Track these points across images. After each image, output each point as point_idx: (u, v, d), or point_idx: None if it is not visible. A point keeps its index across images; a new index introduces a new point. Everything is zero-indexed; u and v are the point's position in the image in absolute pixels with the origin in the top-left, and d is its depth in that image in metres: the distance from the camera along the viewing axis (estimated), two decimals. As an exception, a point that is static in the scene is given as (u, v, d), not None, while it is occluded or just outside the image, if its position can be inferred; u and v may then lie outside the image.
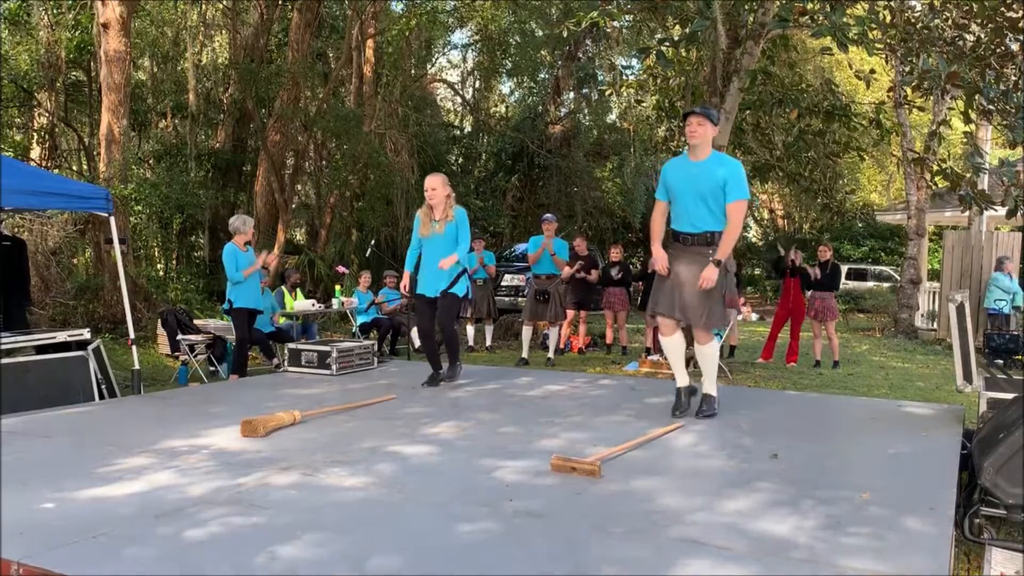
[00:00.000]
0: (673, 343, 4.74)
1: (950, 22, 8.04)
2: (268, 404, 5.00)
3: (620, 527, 2.78)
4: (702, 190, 4.43)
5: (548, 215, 9.76)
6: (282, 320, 9.26)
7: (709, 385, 4.72)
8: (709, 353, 4.71)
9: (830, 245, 10.14)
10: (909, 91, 9.68)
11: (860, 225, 23.85)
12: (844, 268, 20.54)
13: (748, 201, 4.49)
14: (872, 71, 8.73)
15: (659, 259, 4.61)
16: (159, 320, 9.43)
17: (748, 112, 10.12)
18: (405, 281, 6.06)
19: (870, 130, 9.92)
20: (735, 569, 2.42)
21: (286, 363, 6.87)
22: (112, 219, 6.70)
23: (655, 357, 8.89)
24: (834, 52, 8.25)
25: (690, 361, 6.06)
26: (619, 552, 2.55)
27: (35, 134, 16.48)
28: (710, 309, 4.47)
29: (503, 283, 14.18)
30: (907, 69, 8.61)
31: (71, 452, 3.86)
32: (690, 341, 4.88)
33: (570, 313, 10.10)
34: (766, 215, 31.47)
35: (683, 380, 4.78)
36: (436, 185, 5.76)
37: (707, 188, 4.42)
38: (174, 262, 16.11)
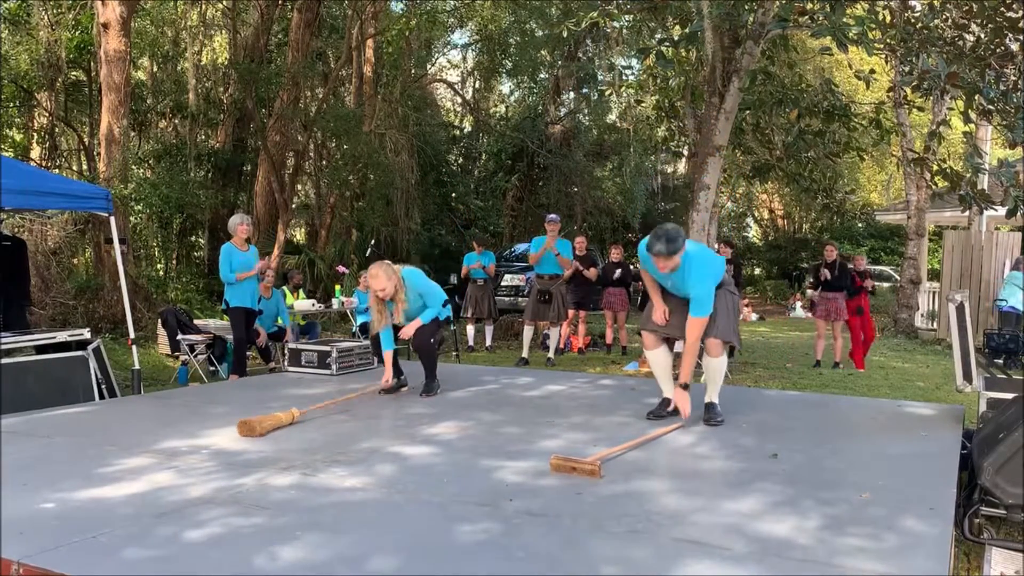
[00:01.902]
0: (656, 356, 4.80)
1: (950, 22, 8.04)
2: (268, 404, 5.00)
3: (620, 527, 2.78)
4: (682, 292, 4.53)
5: (552, 215, 9.73)
6: (302, 321, 9.29)
7: (712, 393, 4.68)
8: (716, 365, 4.68)
9: (835, 245, 10.11)
10: (909, 91, 9.69)
11: (860, 225, 23.87)
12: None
13: (708, 317, 4.42)
14: (872, 71, 8.73)
15: (659, 309, 4.71)
16: (159, 320, 9.43)
17: (748, 112, 10.12)
18: (388, 375, 5.46)
19: (870, 130, 9.92)
20: (735, 569, 2.42)
21: (286, 363, 6.87)
22: (112, 219, 6.71)
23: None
24: (834, 52, 8.24)
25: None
26: (619, 552, 2.55)
27: (35, 134, 16.48)
28: (715, 321, 4.48)
29: (503, 283, 14.18)
30: (907, 69, 8.61)
31: (71, 452, 3.86)
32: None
33: (570, 313, 10.10)
34: (766, 215, 31.49)
35: (669, 392, 4.79)
36: (383, 284, 5.14)
37: (685, 292, 4.50)
38: (174, 262, 16.10)
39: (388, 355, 5.50)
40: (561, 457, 3.56)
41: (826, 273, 9.42)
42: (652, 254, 4.27)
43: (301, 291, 10.29)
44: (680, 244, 4.27)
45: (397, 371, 5.65)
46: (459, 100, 23.79)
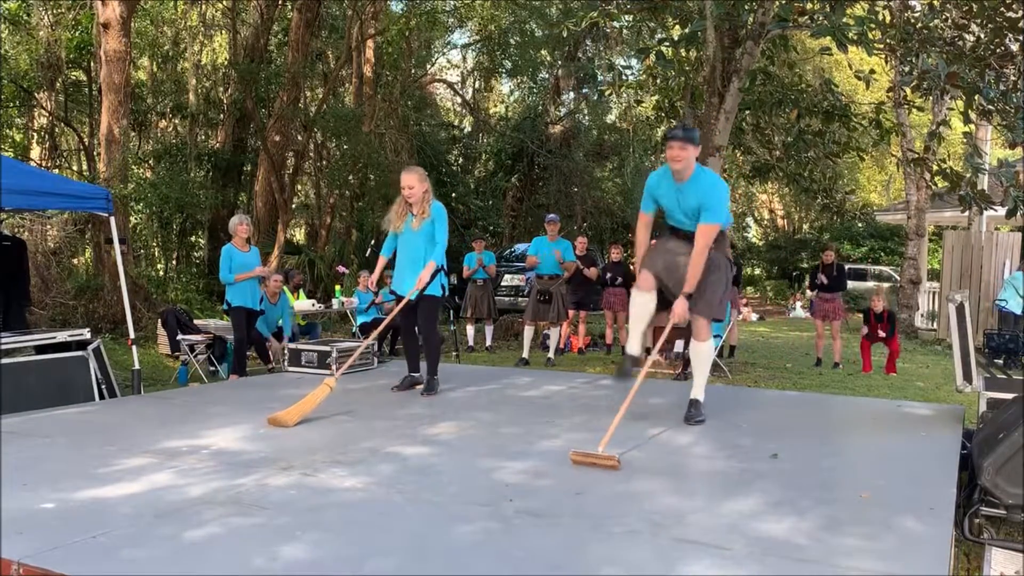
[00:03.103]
0: (643, 301, 4.49)
1: (950, 22, 8.05)
2: (268, 404, 4.99)
3: (620, 527, 2.78)
4: (689, 211, 4.39)
5: (552, 215, 9.75)
6: (302, 322, 9.29)
7: (697, 389, 4.59)
8: (705, 351, 4.56)
9: (833, 249, 10.16)
10: (909, 91, 9.70)
11: (860, 225, 23.87)
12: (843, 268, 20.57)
13: (721, 225, 4.32)
14: (872, 71, 8.73)
15: (643, 282, 4.54)
16: (159, 320, 9.43)
17: (748, 112, 10.13)
18: (375, 276, 5.64)
19: (870, 130, 9.92)
20: (735, 569, 2.42)
21: (286, 363, 6.86)
22: (112, 219, 6.70)
23: (655, 356, 8.88)
24: (834, 52, 8.24)
25: (688, 363, 5.97)
26: (619, 552, 2.55)
27: (35, 134, 16.49)
28: (703, 295, 4.33)
29: (503, 283, 14.18)
30: (907, 69, 8.61)
31: (71, 452, 3.86)
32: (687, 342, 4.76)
33: (570, 313, 10.10)
34: (766, 215, 31.50)
35: (634, 348, 4.57)
36: (413, 183, 5.30)
37: (692, 209, 4.36)
38: (174, 262, 16.12)
39: (383, 260, 5.59)
40: (581, 452, 3.61)
41: (822, 278, 9.47)
42: (668, 139, 4.28)
43: (301, 291, 10.29)
44: (697, 139, 4.32)
45: (414, 367, 5.67)
46: (459, 100, 23.80)
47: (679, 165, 4.27)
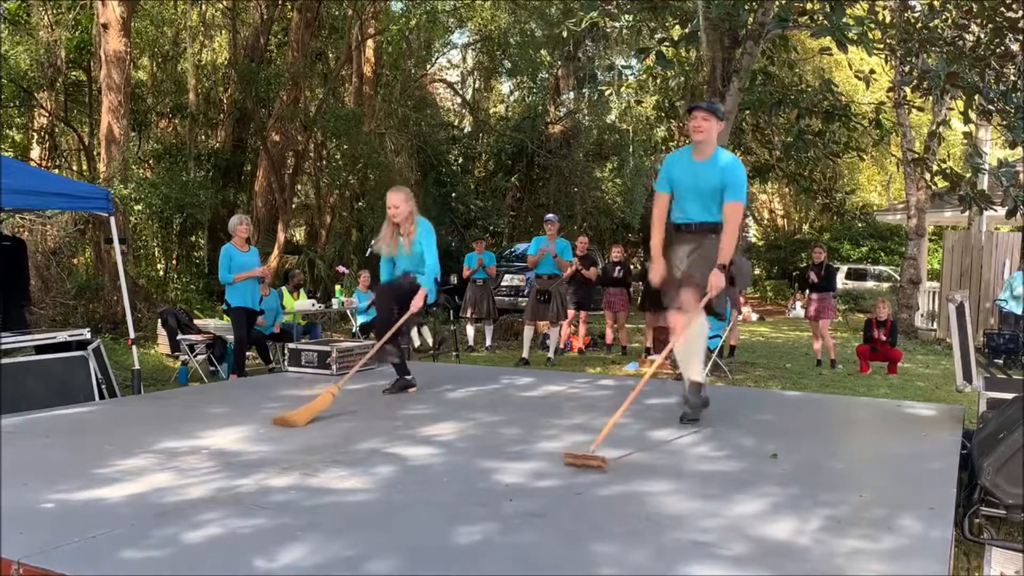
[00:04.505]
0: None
1: (950, 22, 8.05)
2: (268, 404, 5.00)
3: (620, 528, 2.78)
4: (703, 189, 4.31)
5: (551, 215, 9.76)
6: (289, 318, 9.27)
7: (695, 370, 4.42)
8: (693, 331, 4.32)
9: (824, 247, 10.23)
10: (909, 91, 9.70)
11: (860, 225, 23.86)
12: (844, 268, 20.59)
13: (743, 204, 4.34)
14: (872, 71, 8.75)
15: (657, 270, 4.46)
16: (159, 320, 9.43)
17: (748, 112, 10.13)
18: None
19: (870, 130, 9.93)
20: (735, 570, 2.42)
21: (286, 363, 6.86)
22: (112, 219, 6.70)
23: (655, 357, 8.89)
24: (834, 52, 8.25)
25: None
26: (619, 553, 2.55)
27: (35, 134, 16.48)
28: (699, 268, 4.26)
29: (503, 283, 14.17)
30: (907, 69, 8.61)
31: (71, 452, 3.86)
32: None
33: (570, 313, 10.10)
34: (766, 215, 31.48)
35: (697, 376, 4.49)
36: (399, 203, 5.34)
37: (708, 188, 4.30)
38: (174, 262, 16.10)
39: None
40: (572, 454, 3.62)
41: (812, 276, 9.51)
42: (691, 110, 4.34)
43: (301, 291, 10.29)
44: (721, 113, 4.38)
45: (403, 371, 5.63)
46: (459, 100, 23.79)
47: (701, 136, 4.26)
